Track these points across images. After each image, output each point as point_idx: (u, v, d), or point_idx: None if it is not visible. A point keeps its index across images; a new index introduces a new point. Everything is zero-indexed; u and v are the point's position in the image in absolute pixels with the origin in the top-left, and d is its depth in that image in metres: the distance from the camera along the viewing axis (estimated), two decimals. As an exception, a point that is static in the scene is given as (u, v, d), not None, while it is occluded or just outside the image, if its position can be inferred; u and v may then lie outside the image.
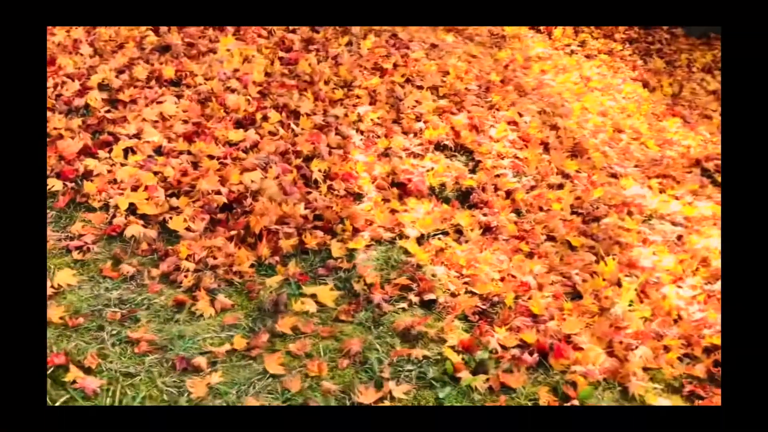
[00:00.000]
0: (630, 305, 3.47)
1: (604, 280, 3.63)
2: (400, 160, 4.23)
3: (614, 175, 4.90)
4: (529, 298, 3.35)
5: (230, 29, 4.86)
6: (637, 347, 3.14)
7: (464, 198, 4.16)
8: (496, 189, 4.26)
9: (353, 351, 2.81)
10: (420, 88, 4.96)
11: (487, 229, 3.89)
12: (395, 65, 5.11)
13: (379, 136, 4.36)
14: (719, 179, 5.37)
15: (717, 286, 3.79)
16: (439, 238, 3.68)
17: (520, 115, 5.12)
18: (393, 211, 3.84)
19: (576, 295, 3.50)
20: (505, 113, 5.02)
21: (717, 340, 3.29)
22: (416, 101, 4.79)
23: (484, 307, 3.25)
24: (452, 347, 2.95)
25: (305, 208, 3.62)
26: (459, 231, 3.83)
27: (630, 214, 4.45)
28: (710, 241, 4.26)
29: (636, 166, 5.15)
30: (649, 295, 3.58)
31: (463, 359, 2.90)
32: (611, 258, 3.77)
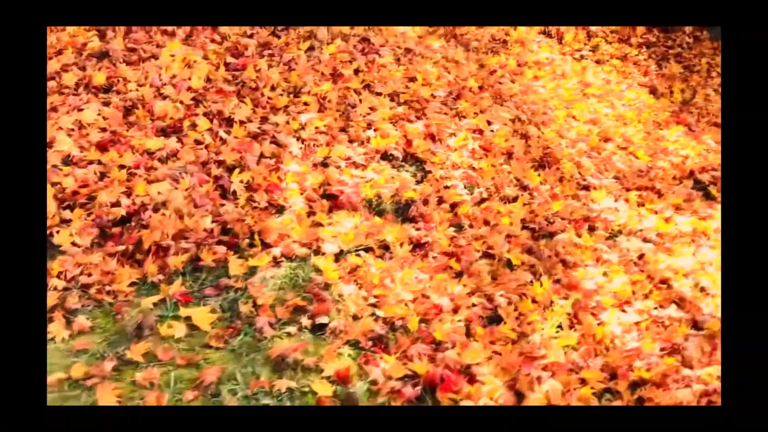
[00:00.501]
0: (557, 332, 3.14)
1: (534, 302, 3.30)
2: (338, 171, 3.96)
3: (586, 187, 4.54)
4: (439, 322, 3.05)
5: (181, 34, 4.66)
6: (545, 380, 2.81)
7: (404, 211, 3.87)
8: (441, 201, 3.96)
9: (207, 382, 2.55)
10: (379, 94, 4.68)
11: (417, 245, 3.59)
12: (357, 71, 4.84)
13: (320, 145, 4.10)
14: (713, 191, 4.98)
15: (669, 311, 3.43)
16: (359, 255, 3.40)
17: (489, 123, 4.80)
18: (318, 225, 3.58)
19: (497, 319, 3.18)
20: (470, 121, 4.70)
21: (646, 374, 2.93)
22: (371, 108, 4.51)
23: (381, 332, 2.96)
24: (327, 378, 2.67)
25: (213, 222, 3.38)
26: (387, 247, 3.54)
27: (593, 229, 4.11)
28: (678, 261, 3.89)
29: (616, 177, 4.78)
30: (581, 320, 3.23)
31: (335, 392, 2.61)
32: (546, 278, 3.43)
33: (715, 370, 2.99)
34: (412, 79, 4.98)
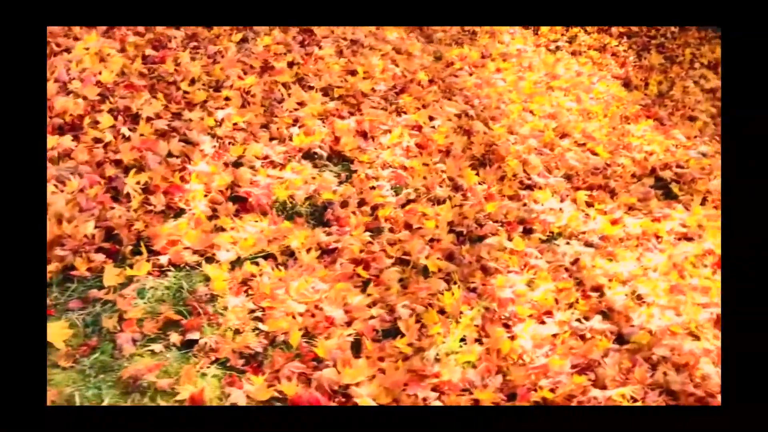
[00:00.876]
0: (460, 346, 2.85)
1: (442, 313, 3.02)
2: (253, 171, 3.68)
3: (529, 187, 4.24)
4: (327, 337, 2.77)
5: (102, 27, 4.40)
6: (431, 401, 2.53)
7: (319, 214, 3.59)
8: (363, 203, 3.68)
9: (39, 407, 2.29)
10: (311, 88, 4.40)
11: (326, 251, 3.32)
12: (291, 63, 4.57)
13: (236, 143, 3.83)
14: (675, 189, 4.66)
15: (593, 322, 3.14)
16: (256, 263, 3.13)
17: (432, 119, 4.51)
18: (220, 230, 3.31)
19: (396, 333, 2.89)
20: (409, 117, 4.41)
21: (550, 395, 2.65)
22: (299, 103, 4.23)
23: (258, 348, 2.69)
24: (181, 402, 2.40)
25: (96, 227, 3.12)
26: (292, 253, 3.27)
27: (529, 232, 3.81)
28: (618, 266, 3.60)
29: (566, 176, 4.47)
30: (489, 333, 2.94)
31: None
32: (459, 287, 3.15)
33: (629, 390, 2.70)
34: (353, 73, 4.69)
